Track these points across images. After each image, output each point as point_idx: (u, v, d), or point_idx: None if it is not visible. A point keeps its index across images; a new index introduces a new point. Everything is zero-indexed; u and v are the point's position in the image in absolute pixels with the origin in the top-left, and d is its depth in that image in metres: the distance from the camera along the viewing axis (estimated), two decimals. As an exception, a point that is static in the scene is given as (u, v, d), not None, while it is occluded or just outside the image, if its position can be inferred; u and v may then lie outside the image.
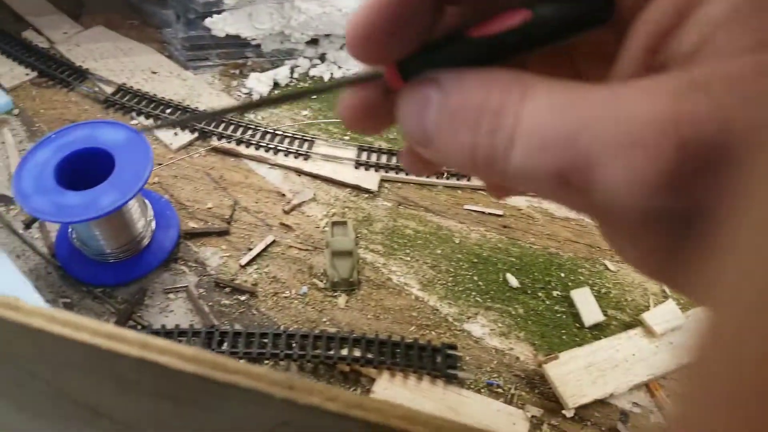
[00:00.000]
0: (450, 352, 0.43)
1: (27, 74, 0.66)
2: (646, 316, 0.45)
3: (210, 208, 0.54)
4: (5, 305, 0.24)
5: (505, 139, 0.16)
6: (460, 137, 0.17)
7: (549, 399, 0.42)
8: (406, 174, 0.57)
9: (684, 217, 0.14)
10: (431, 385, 0.41)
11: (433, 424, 0.22)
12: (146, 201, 0.51)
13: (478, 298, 0.47)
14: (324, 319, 0.46)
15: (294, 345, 0.43)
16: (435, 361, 0.42)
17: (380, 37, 0.17)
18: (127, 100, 0.62)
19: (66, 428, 0.35)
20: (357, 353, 0.43)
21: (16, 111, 0.62)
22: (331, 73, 0.69)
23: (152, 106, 0.62)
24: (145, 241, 0.49)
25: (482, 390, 0.42)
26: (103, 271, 0.48)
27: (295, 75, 0.69)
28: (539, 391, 0.42)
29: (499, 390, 0.42)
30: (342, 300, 0.47)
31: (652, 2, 0.15)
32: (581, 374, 0.41)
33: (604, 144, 0.14)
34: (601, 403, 0.41)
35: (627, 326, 0.46)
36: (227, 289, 0.48)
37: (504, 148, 0.16)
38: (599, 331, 0.46)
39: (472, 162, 0.17)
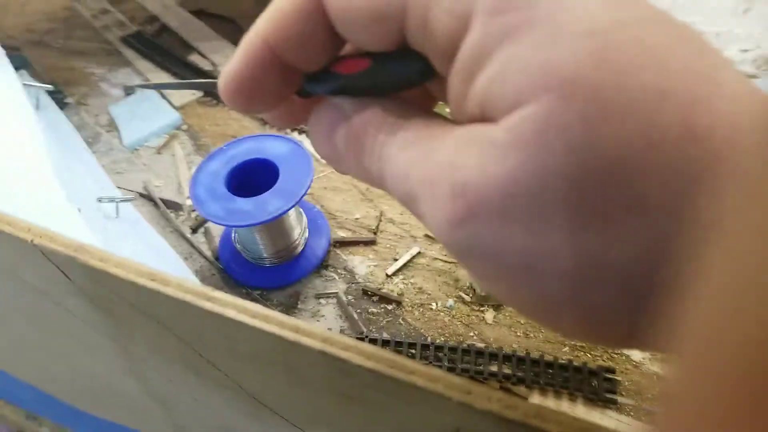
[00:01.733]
0: (608, 375, 0.41)
1: (193, 94, 0.73)
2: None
3: (357, 219, 0.56)
4: (201, 295, 0.26)
5: (382, 168, 0.19)
6: (363, 160, 0.19)
7: None
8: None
9: (491, 254, 0.16)
10: (587, 409, 0.40)
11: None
12: (301, 210, 0.53)
13: (636, 321, 0.45)
14: (471, 334, 0.46)
15: (442, 357, 0.43)
16: (591, 384, 0.41)
17: (247, 95, 0.20)
18: (283, 116, 0.66)
19: (222, 413, 0.37)
20: (507, 370, 0.42)
21: (184, 127, 0.69)
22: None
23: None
24: (300, 248, 0.52)
25: (643, 418, 0.39)
26: (261, 275, 0.51)
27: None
28: (708, 424, 0.39)
29: (662, 419, 0.39)
30: (489, 315, 0.47)
31: (452, 72, 0.17)
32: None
33: (421, 182, 0.17)
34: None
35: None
36: (375, 298, 0.49)
37: (383, 174, 0.19)
38: None
39: (370, 181, 0.20)
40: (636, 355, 0.43)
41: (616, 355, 0.43)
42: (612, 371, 0.41)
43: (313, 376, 0.28)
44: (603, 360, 0.42)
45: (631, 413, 0.39)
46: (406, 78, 0.19)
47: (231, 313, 0.26)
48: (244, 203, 0.45)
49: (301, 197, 0.45)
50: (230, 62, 0.20)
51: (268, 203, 0.45)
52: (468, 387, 0.23)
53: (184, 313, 0.26)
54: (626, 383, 0.41)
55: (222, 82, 0.20)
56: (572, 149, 0.14)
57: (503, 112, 0.15)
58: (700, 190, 0.14)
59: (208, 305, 0.26)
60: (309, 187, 0.45)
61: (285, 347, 0.26)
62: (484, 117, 0.16)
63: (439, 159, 0.16)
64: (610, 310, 0.15)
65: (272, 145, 0.49)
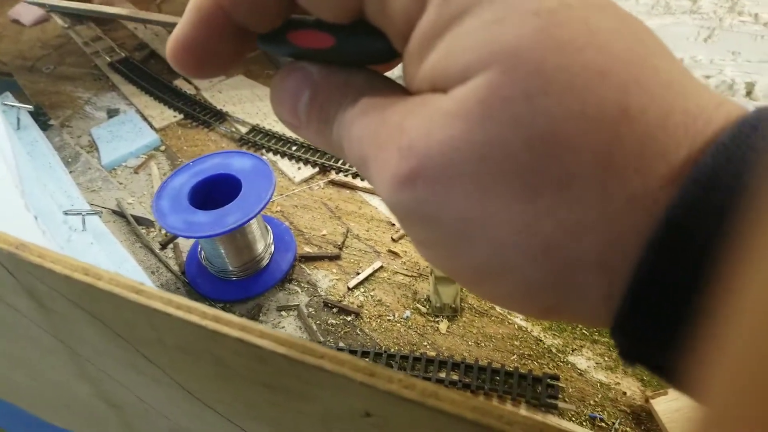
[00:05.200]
0: (551, 382, 0.41)
1: (174, 116, 0.75)
2: None
3: (324, 235, 0.57)
4: (130, 288, 0.27)
5: (341, 134, 0.19)
6: (324, 127, 0.20)
7: (658, 439, 0.39)
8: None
9: (432, 217, 0.16)
10: (529, 413, 0.40)
11: (508, 418, 0.22)
12: (268, 226, 0.55)
13: (585, 331, 0.46)
14: (425, 343, 0.47)
15: (393, 365, 0.44)
16: (535, 390, 0.41)
17: (198, 60, 0.20)
18: (259, 139, 0.68)
19: (166, 414, 0.38)
20: (455, 377, 0.43)
21: (162, 148, 0.71)
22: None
23: (280, 143, 0.67)
24: (265, 262, 0.53)
25: (584, 423, 0.40)
26: (225, 288, 0.52)
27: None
28: (645, 427, 0.39)
29: (602, 424, 0.40)
30: (443, 325, 0.48)
31: (407, 52, 0.18)
32: (691, 411, 0.38)
33: (371, 144, 0.18)
34: (718, 448, 0.38)
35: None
36: (335, 309, 0.50)
37: (341, 140, 0.19)
38: (719, 373, 0.42)
39: (328, 147, 0.20)
40: (581, 363, 0.43)
41: (561, 364, 0.44)
42: (556, 378, 0.42)
43: (238, 366, 0.29)
44: (549, 368, 0.43)
45: (573, 418, 0.40)
46: (369, 58, 0.20)
47: (157, 305, 0.27)
48: (204, 216, 0.46)
49: (259, 211, 0.46)
50: (178, 26, 0.19)
51: (227, 216, 0.46)
52: (371, 369, 0.24)
53: (117, 307, 0.28)
54: (570, 390, 0.42)
55: (170, 47, 0.19)
56: (512, 122, 0.14)
57: (452, 84, 0.16)
58: (630, 167, 0.14)
59: (134, 297, 0.27)
60: (268, 201, 0.47)
61: (207, 337, 0.27)
62: (435, 90, 0.16)
63: (390, 122, 0.17)
64: (538, 281, 0.16)
65: (237, 161, 0.51)
